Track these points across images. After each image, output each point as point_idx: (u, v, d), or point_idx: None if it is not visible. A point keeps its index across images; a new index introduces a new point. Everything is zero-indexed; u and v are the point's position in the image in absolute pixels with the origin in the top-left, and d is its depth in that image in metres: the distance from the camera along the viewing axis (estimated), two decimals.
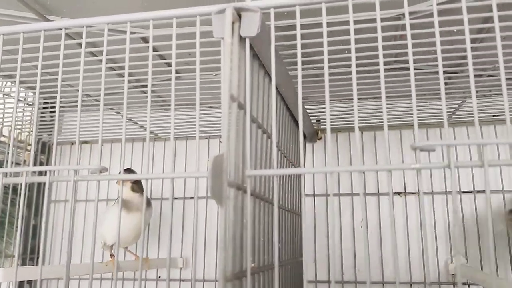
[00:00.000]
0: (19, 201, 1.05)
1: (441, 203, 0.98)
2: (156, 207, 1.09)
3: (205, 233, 1.06)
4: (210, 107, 0.95)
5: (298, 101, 0.42)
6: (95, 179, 0.45)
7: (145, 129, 1.04)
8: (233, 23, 0.45)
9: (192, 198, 1.08)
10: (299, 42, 0.45)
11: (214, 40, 0.56)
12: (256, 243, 0.51)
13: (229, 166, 0.40)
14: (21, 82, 0.89)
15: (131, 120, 0.99)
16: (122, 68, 0.79)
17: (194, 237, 1.08)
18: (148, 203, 0.93)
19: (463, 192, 0.97)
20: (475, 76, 0.72)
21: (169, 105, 0.97)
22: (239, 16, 0.45)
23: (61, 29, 0.50)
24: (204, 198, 1.07)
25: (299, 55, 0.45)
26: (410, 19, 0.44)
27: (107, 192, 1.10)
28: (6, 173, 0.46)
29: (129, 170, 0.92)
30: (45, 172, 0.46)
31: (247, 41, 0.46)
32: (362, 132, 1.04)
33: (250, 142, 0.45)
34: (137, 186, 0.89)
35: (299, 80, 0.42)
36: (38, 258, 1.09)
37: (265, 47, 0.51)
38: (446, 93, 0.88)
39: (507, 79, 0.75)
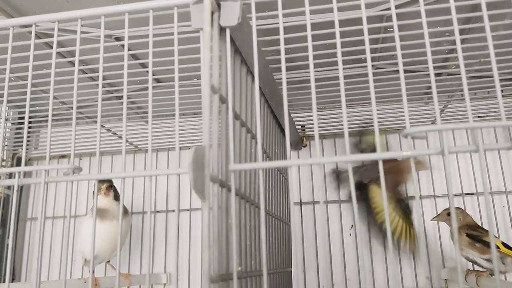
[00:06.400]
0: None
1: (430, 207, 0.96)
2: (138, 222, 1.05)
3: (189, 247, 1.02)
4: (195, 114, 0.92)
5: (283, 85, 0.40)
6: (67, 179, 0.42)
7: (127, 141, 1.01)
8: (212, 13, 0.43)
9: (174, 211, 1.05)
10: (282, 36, 0.43)
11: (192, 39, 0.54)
12: (243, 246, 0.48)
13: (211, 159, 0.38)
14: None
15: (109, 130, 0.96)
16: (103, 77, 0.76)
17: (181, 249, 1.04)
18: (125, 211, 0.89)
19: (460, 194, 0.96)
20: (459, 74, 0.71)
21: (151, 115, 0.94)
22: (219, 6, 0.43)
23: (31, 25, 0.47)
24: (187, 210, 1.04)
25: (282, 49, 0.43)
26: (396, 8, 0.43)
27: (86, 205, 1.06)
28: None
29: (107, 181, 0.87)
30: (14, 174, 0.43)
31: (227, 31, 0.44)
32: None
33: (233, 137, 0.43)
34: (117, 194, 0.85)
35: (283, 65, 0.40)
36: (13, 279, 1.03)
37: (247, 41, 0.49)
38: (431, 93, 0.87)
39: (491, 77, 0.74)
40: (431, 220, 0.84)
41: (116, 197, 0.85)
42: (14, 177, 0.42)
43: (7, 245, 1.03)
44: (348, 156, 0.38)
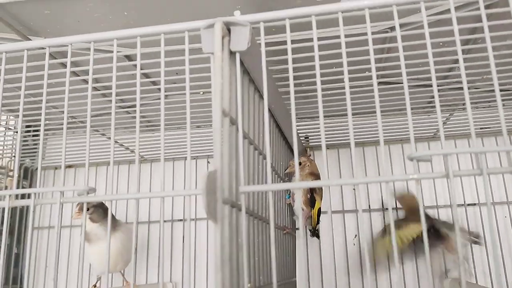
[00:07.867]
0: (2, 228, 1.01)
1: None
2: (144, 230, 1.06)
3: (195, 256, 1.03)
4: (198, 126, 0.93)
5: (291, 106, 0.41)
6: (82, 200, 0.43)
7: (131, 151, 1.02)
8: (222, 37, 0.44)
9: (180, 220, 1.06)
10: (290, 56, 0.44)
11: (200, 57, 0.55)
12: (252, 263, 0.49)
13: (223, 182, 0.39)
14: (2, 105, 0.86)
15: (116, 142, 0.97)
16: (108, 88, 0.78)
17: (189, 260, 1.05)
18: (115, 229, 0.84)
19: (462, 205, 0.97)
20: (462, 88, 0.72)
21: (155, 126, 0.95)
22: (229, 30, 0.44)
23: (44, 48, 0.48)
24: (193, 220, 1.05)
25: (290, 70, 0.44)
26: (401, 31, 0.44)
27: None
28: None
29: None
30: (29, 195, 0.44)
31: (238, 56, 0.45)
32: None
33: (243, 158, 0.44)
34: (96, 215, 0.82)
35: (292, 90, 0.42)
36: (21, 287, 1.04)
37: (256, 62, 0.51)
38: (433, 107, 0.88)
39: (492, 90, 0.76)
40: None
41: (99, 217, 0.82)
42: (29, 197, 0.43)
43: (15, 253, 1.05)
44: (356, 179, 0.39)
